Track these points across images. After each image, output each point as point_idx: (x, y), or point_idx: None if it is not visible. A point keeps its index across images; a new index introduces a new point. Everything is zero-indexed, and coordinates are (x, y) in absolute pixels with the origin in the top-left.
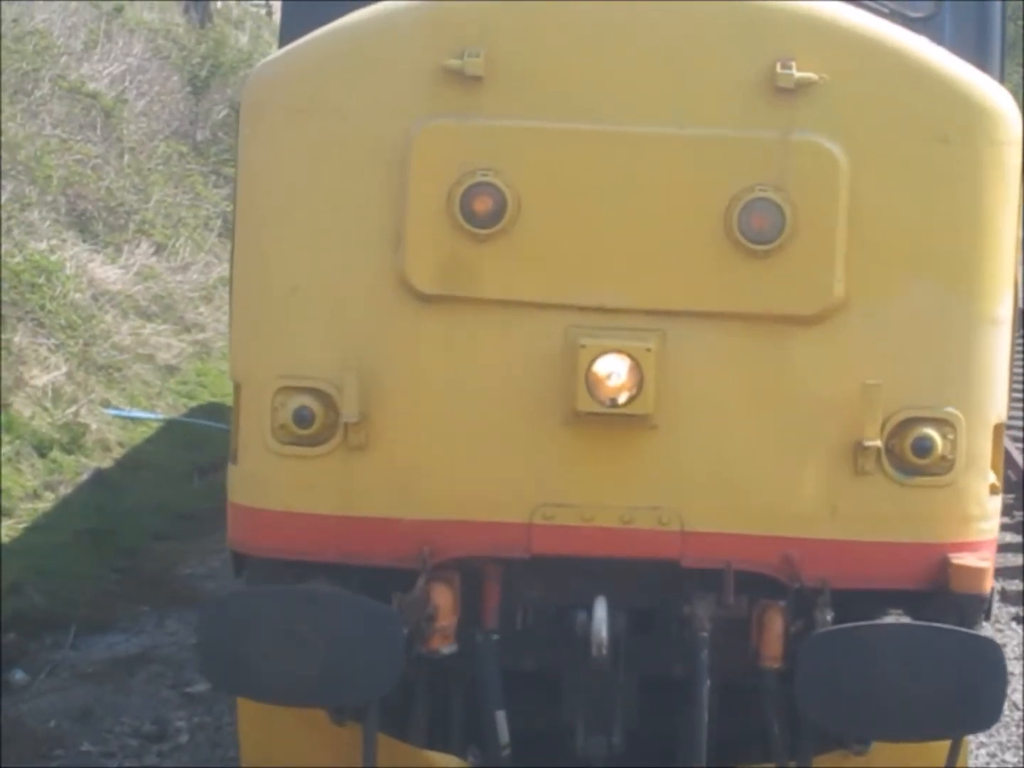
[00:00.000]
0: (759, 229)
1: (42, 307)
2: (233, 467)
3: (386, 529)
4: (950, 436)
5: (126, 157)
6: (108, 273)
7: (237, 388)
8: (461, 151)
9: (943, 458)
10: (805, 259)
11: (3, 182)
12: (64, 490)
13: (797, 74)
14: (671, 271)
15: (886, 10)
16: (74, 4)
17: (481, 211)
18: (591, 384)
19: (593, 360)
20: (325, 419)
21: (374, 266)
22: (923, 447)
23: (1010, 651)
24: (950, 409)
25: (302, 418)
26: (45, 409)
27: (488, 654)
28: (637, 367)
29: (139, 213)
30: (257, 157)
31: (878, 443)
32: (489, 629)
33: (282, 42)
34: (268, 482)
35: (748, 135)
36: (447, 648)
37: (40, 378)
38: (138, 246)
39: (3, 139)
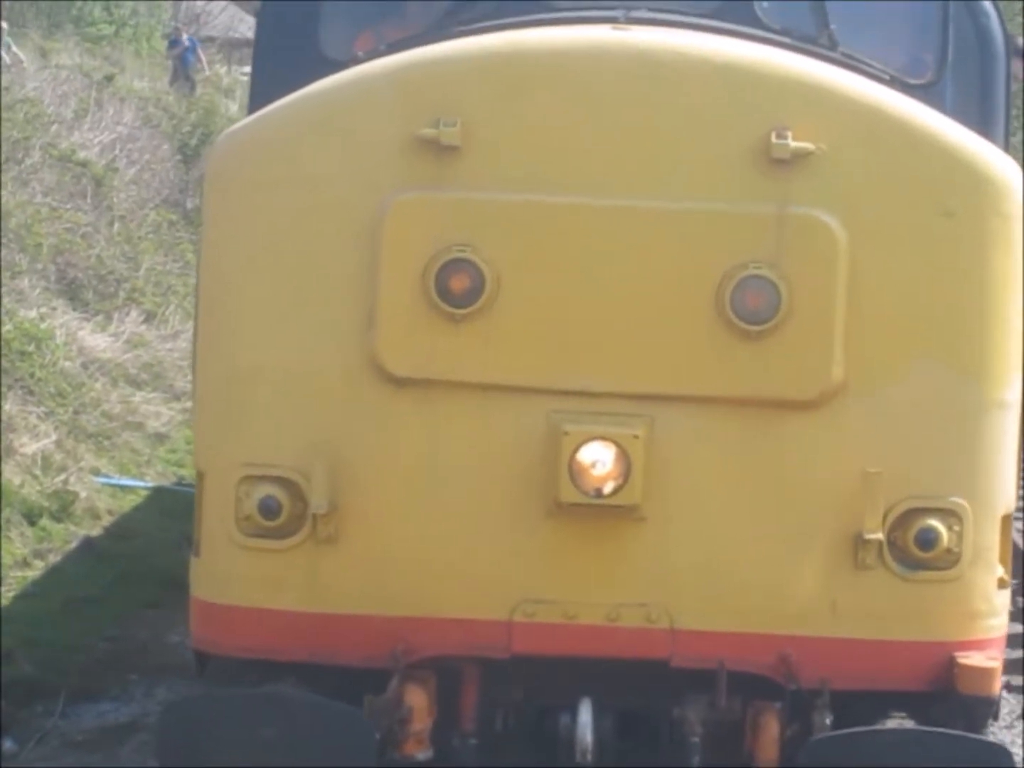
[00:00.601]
0: (753, 308)
1: (32, 375)
2: (196, 560)
3: (357, 627)
4: (956, 528)
5: (116, 225)
6: (98, 341)
7: (200, 477)
8: (436, 225)
9: (948, 551)
10: (802, 340)
11: None
12: (53, 558)
13: (793, 144)
14: (660, 353)
15: (887, 76)
16: (65, 73)
17: (458, 289)
18: (575, 473)
19: (577, 448)
20: (292, 510)
21: (345, 347)
22: (927, 539)
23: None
24: (956, 499)
25: (268, 509)
26: (35, 477)
27: (466, 759)
28: (624, 455)
29: (129, 281)
30: (221, 230)
31: (880, 535)
32: (466, 732)
33: (252, 108)
34: (232, 577)
35: (741, 209)
36: (422, 753)
37: (30, 446)
38: (128, 314)
39: None
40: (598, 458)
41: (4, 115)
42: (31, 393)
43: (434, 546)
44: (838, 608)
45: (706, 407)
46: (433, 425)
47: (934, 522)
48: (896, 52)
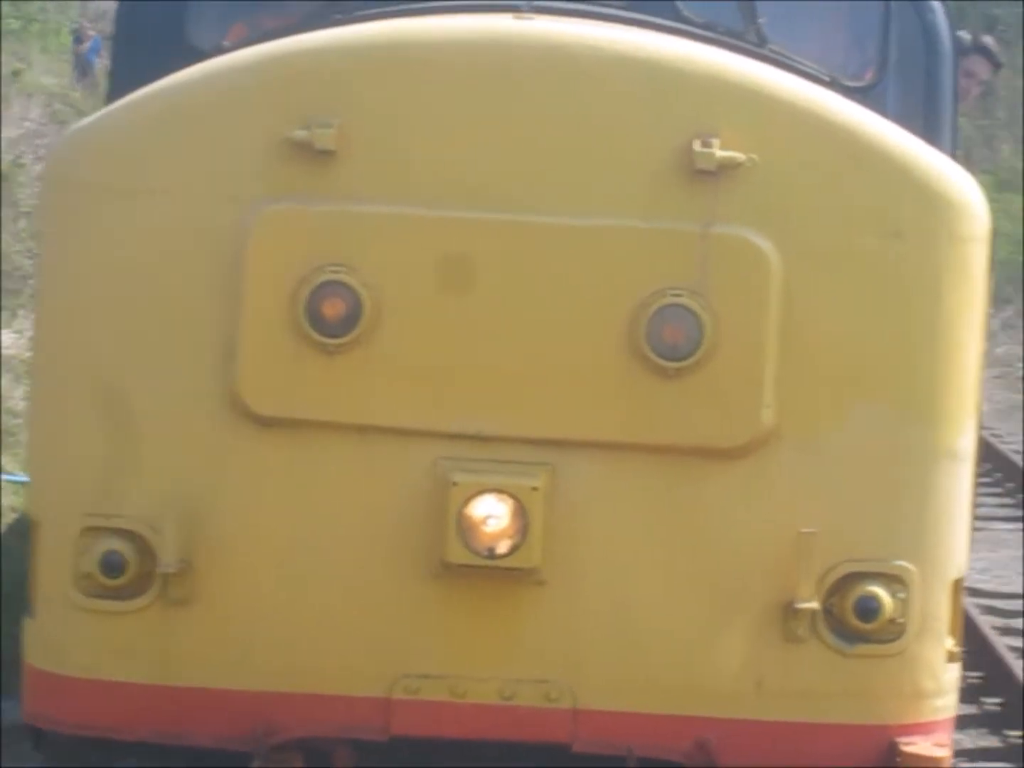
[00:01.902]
0: (672, 343)
1: None
2: (30, 622)
3: (213, 702)
4: (901, 595)
5: (22, 222)
6: (2, 338)
7: (34, 527)
8: (308, 242)
9: (892, 621)
10: (727, 379)
11: None
12: None
13: (719, 153)
14: (564, 393)
15: (825, 77)
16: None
17: (331, 316)
18: (465, 530)
19: (467, 501)
20: (140, 567)
21: (202, 380)
22: (868, 608)
23: None
24: (901, 562)
25: (111, 565)
26: None
27: None
28: (521, 510)
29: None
30: (59, 246)
31: (814, 604)
32: None
33: (109, 103)
34: (70, 643)
35: (659, 227)
36: None
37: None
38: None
39: None
40: (491, 513)
41: None
42: None
43: (302, 612)
44: (765, 686)
45: (617, 455)
46: (303, 472)
47: (876, 588)
48: (832, 51)
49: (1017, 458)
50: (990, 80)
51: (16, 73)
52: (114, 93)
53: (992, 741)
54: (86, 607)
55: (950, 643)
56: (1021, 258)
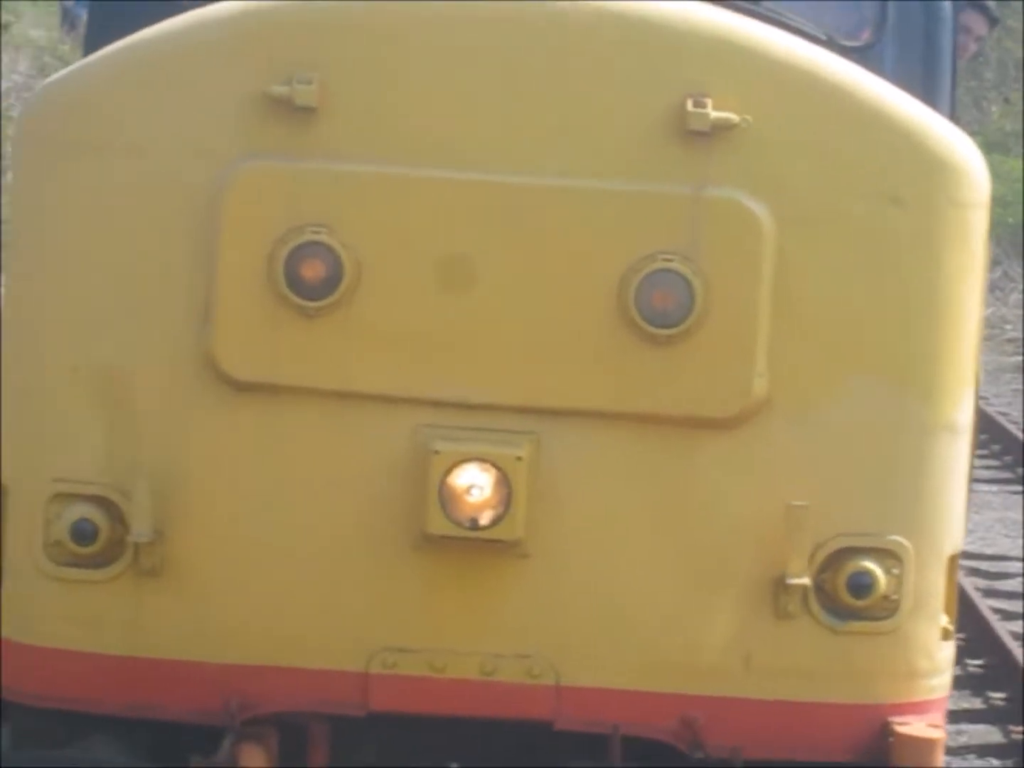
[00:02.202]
0: (662, 309)
1: None
2: None
3: (184, 675)
4: (895, 571)
5: (9, 175)
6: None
7: (4, 493)
8: (286, 201)
9: (886, 598)
10: (718, 347)
11: None
12: None
13: (713, 114)
14: (549, 359)
15: (823, 37)
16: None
17: (311, 278)
18: (446, 500)
19: (449, 470)
20: (111, 534)
21: (175, 343)
22: (861, 584)
23: None
24: (895, 537)
25: (82, 533)
26: None
27: None
28: (504, 480)
29: None
30: (31, 204)
31: (805, 579)
32: None
33: (86, 55)
34: (38, 611)
35: (650, 189)
36: None
37: None
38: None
39: None
40: (474, 483)
41: None
42: None
43: (278, 583)
44: (753, 664)
45: (603, 424)
46: (279, 439)
47: (869, 564)
48: (828, 9)
49: (1003, 421)
50: (986, 37)
51: (5, 26)
52: (90, 46)
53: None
54: (56, 575)
55: (945, 620)
56: (1010, 220)
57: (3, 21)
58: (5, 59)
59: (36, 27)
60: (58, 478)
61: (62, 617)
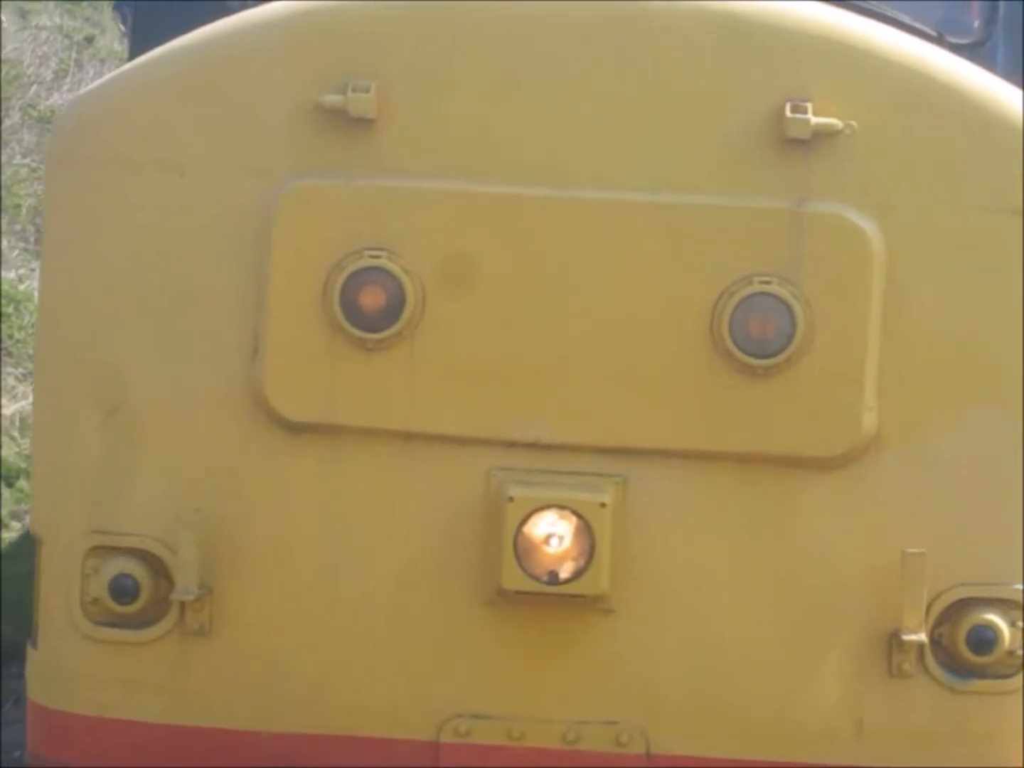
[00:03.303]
0: (759, 337)
1: (10, 336)
2: (32, 652)
3: (236, 746)
4: (1020, 623)
5: None
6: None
7: (39, 545)
8: (342, 222)
9: (1010, 654)
10: (823, 379)
11: None
12: None
13: (814, 119)
14: (636, 395)
15: (933, 33)
16: (44, 34)
17: (370, 307)
18: (522, 551)
19: (525, 518)
20: (154, 592)
21: (222, 382)
22: (983, 639)
23: None
24: (1020, 586)
25: (123, 590)
26: (12, 439)
27: None
28: (586, 529)
29: None
30: (64, 227)
31: (921, 635)
32: None
33: (131, 57)
34: (76, 676)
35: (744, 204)
36: None
37: (8, 407)
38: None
39: None
40: (553, 532)
41: None
42: (10, 355)
43: (337, 643)
44: (865, 728)
45: (696, 466)
46: (337, 485)
47: (992, 616)
48: (932, 5)
49: None
50: None
51: (89, 39)
52: (135, 51)
53: None
54: (94, 636)
55: None
56: None
57: (87, 34)
58: (91, 72)
59: (121, 40)
60: (95, 529)
61: (100, 681)
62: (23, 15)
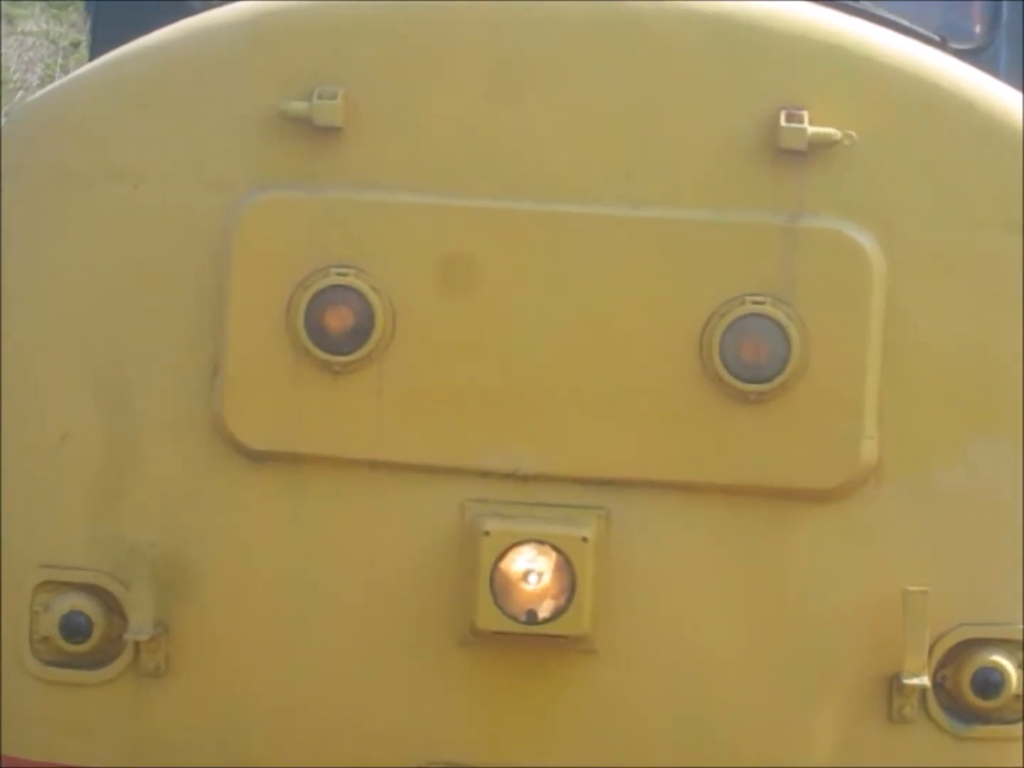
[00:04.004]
0: (752, 361)
1: None
2: None
3: None
4: None
5: None
6: None
7: None
8: (308, 238)
9: (1017, 697)
10: (819, 406)
11: None
12: None
13: (810, 129)
14: (619, 422)
15: (936, 38)
16: (31, 39)
17: (337, 328)
18: (498, 589)
19: (502, 554)
20: (107, 630)
21: (179, 406)
22: (989, 682)
23: None
24: None
25: (74, 628)
26: None
27: None
28: (567, 565)
29: None
30: (19, 242)
31: (924, 678)
32: None
33: (92, 59)
34: (25, 720)
35: (735, 220)
36: None
37: None
38: None
39: None
40: (531, 568)
41: None
42: None
43: (302, 686)
44: None
45: (684, 498)
46: (302, 517)
47: (998, 658)
48: (931, 8)
49: None
50: None
51: (75, 44)
52: (95, 55)
53: None
54: (43, 677)
55: None
56: None
57: (73, 40)
58: None
59: None
60: (44, 563)
61: (51, 725)
62: (9, 20)
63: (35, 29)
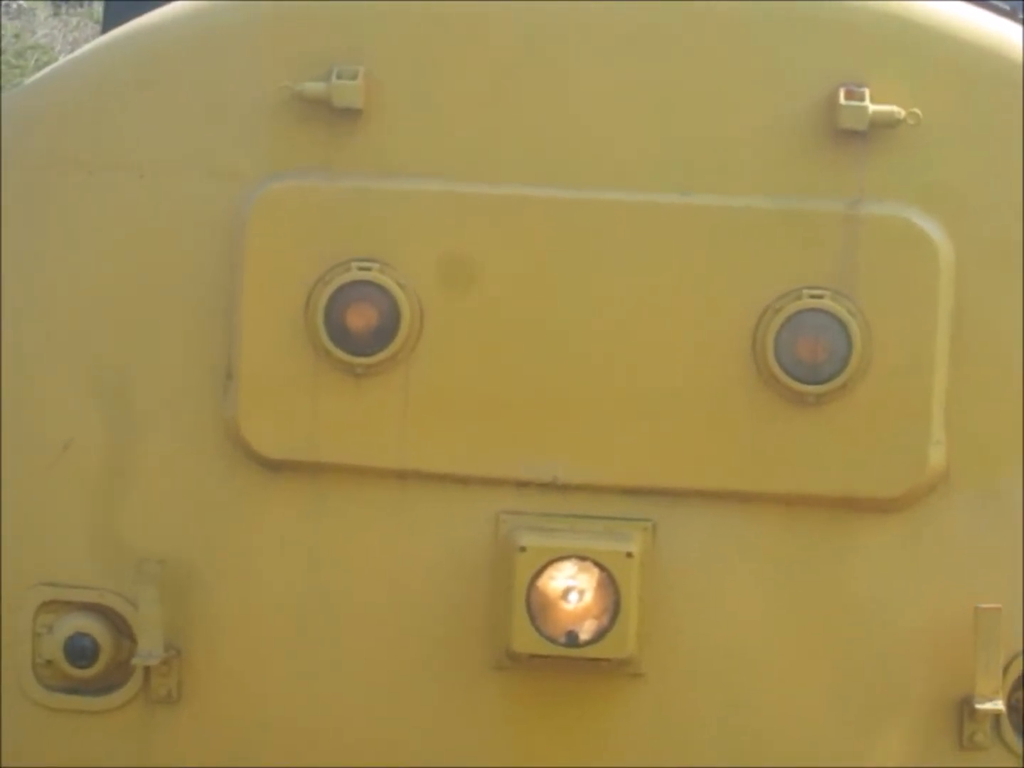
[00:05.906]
0: (810, 360)
1: None
2: None
3: None
4: None
5: None
6: None
7: None
8: (326, 230)
9: None
10: (883, 408)
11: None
12: None
13: (871, 107)
14: (666, 428)
15: (1007, 7)
16: (75, 20)
17: (359, 328)
18: (536, 609)
19: (540, 571)
20: (115, 653)
21: (190, 413)
22: None
23: None
24: None
25: (80, 651)
26: None
27: None
28: (611, 582)
29: None
30: (16, 234)
31: (998, 703)
32: None
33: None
34: (26, 749)
35: (791, 207)
36: None
37: None
38: None
39: None
40: (572, 586)
41: (14, 62)
42: None
43: (324, 713)
44: None
45: (736, 509)
46: (323, 531)
47: None
48: None
49: None
50: None
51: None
52: (108, 26)
53: None
54: (47, 703)
55: None
56: None
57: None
58: None
59: None
60: (47, 581)
61: (54, 756)
62: (54, 2)
63: (80, 10)
